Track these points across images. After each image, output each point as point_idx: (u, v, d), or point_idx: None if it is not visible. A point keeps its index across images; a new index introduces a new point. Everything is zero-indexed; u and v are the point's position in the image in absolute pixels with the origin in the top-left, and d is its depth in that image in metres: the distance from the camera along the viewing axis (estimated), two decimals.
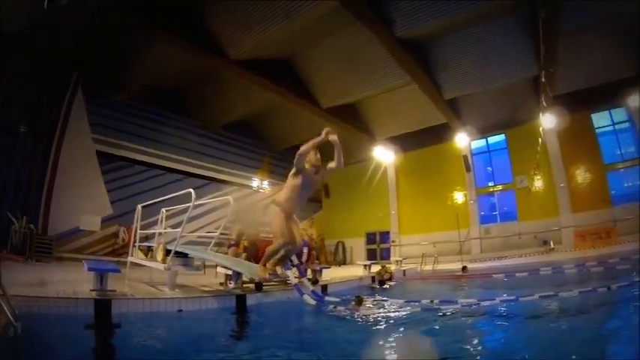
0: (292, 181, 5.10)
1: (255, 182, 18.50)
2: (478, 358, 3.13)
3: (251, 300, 5.80)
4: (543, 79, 11.43)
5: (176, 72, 13.75)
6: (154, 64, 12.94)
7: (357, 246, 20.13)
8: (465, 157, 18.61)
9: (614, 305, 5.11)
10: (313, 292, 6.88)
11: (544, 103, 13.48)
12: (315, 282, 9.33)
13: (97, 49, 12.02)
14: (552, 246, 15.90)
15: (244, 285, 6.77)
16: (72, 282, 5.59)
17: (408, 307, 5.72)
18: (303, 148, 4.87)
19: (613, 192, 16.71)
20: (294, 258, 7.63)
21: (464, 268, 12.58)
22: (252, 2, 10.97)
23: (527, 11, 11.62)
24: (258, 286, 6.51)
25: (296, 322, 5.79)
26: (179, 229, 5.76)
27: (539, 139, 13.24)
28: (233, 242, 8.30)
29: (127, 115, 14.98)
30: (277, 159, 19.99)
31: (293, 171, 5.09)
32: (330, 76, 14.54)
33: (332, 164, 5.04)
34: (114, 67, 13.24)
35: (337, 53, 13.63)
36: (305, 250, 9.46)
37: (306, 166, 5.10)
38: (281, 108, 16.05)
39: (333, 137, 4.73)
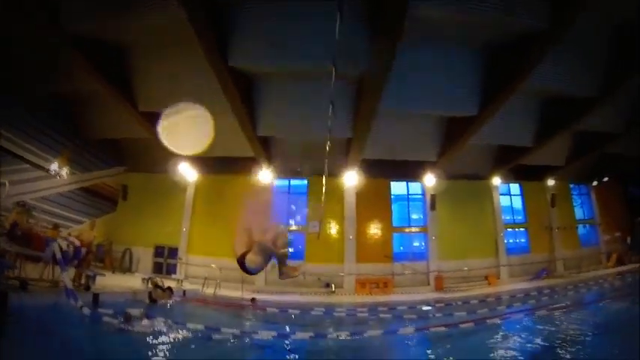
0: None
1: (54, 166, 17.00)
2: None
3: (14, 299, 5.81)
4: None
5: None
6: None
7: (145, 256, 20.17)
8: None
9: None
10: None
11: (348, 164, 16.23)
12: (87, 288, 9.73)
13: None
14: (334, 289, 18.76)
15: (8, 281, 6.73)
16: None
17: (183, 331, 6.83)
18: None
19: (399, 249, 21.05)
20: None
21: (253, 300, 14.02)
22: None
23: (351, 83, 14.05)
24: (24, 284, 6.62)
25: (65, 331, 6.07)
26: None
27: (323, 191, 15.42)
28: (5, 231, 8.07)
29: None
30: (83, 149, 18.90)
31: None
32: (154, 82, 14.92)
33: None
34: None
35: (169, 62, 14.22)
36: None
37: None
38: (102, 98, 15.59)
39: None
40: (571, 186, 24.56)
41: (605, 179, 23.99)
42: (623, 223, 24.22)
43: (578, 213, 24.59)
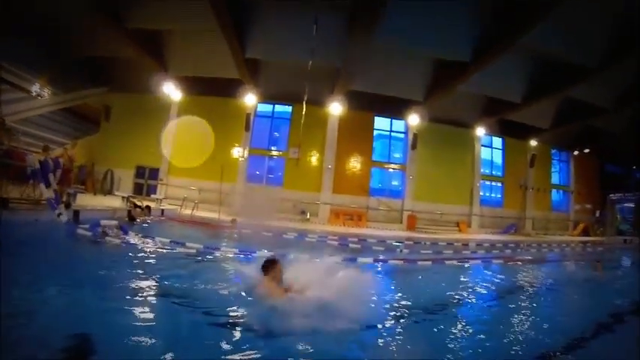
0: None
1: (35, 87, 16.61)
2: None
3: None
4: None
5: None
6: None
7: (126, 177, 20.46)
8: (248, 116, 20.41)
9: None
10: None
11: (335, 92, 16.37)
12: (67, 205, 10.12)
13: None
14: (308, 217, 19.46)
15: None
16: None
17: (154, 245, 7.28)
18: None
19: (376, 185, 21.75)
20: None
21: (233, 221, 14.46)
22: None
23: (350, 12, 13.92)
24: (5, 202, 6.84)
25: (43, 244, 6.42)
26: None
27: (302, 119, 15.56)
28: None
29: None
30: (65, 68, 18.35)
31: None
32: None
33: None
34: None
35: None
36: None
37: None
38: (84, 14, 15.00)
39: None
40: (552, 151, 25.31)
41: (587, 151, 24.81)
42: (595, 196, 25.44)
43: (555, 178, 25.60)
